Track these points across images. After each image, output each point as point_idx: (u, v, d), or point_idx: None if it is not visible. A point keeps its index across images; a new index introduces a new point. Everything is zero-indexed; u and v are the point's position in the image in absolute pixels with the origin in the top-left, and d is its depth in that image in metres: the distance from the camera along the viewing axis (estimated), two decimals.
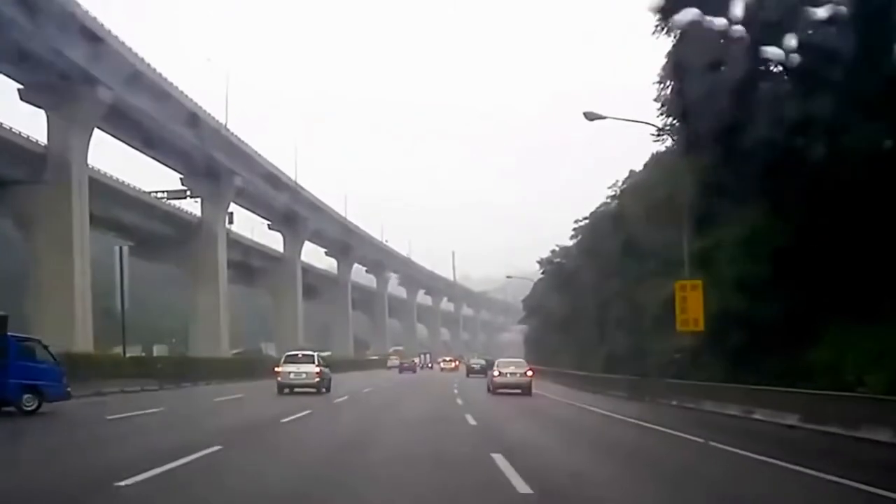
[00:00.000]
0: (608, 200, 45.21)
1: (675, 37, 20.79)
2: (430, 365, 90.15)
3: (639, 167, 47.19)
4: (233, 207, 77.40)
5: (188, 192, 72.70)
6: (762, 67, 19.63)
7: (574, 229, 52.04)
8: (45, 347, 21.15)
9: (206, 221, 72.95)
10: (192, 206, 73.89)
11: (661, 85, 24.84)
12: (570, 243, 56.25)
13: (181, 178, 71.90)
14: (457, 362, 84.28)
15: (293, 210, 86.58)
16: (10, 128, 50.53)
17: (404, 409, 23.19)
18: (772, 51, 17.07)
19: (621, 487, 9.53)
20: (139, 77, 56.55)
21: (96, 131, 57.01)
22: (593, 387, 34.37)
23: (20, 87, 51.90)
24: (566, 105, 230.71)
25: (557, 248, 61.13)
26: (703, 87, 20.18)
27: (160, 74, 59.19)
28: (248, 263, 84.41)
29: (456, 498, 8.54)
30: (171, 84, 60.94)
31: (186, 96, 63.21)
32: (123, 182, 64.14)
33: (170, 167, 70.19)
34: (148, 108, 58.63)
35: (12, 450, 12.99)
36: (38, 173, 52.16)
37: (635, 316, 33.97)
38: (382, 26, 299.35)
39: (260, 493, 8.57)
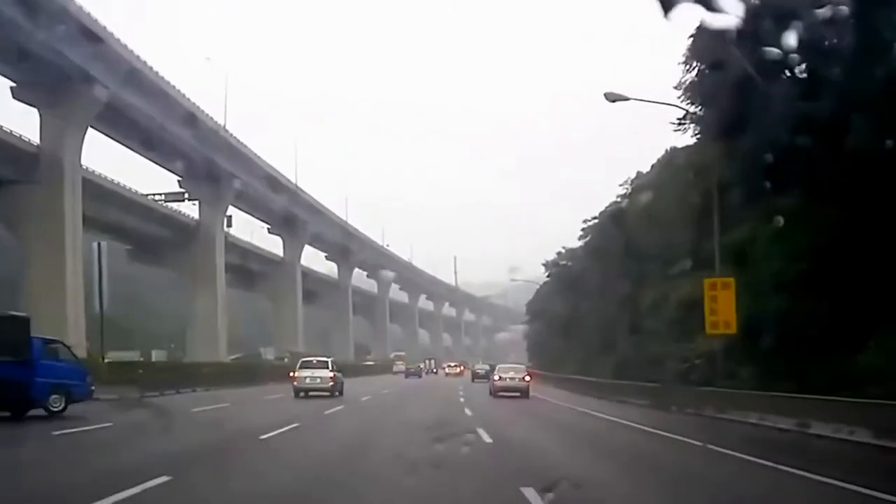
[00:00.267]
0: (618, 199, 42.87)
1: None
2: (434, 370, 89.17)
3: (642, 168, 45.59)
4: (231, 210, 75.64)
5: (186, 195, 70.66)
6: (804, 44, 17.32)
7: (583, 229, 49.67)
8: (68, 348, 21.47)
9: (205, 224, 70.89)
10: (190, 210, 71.84)
11: (686, 67, 22.43)
12: (576, 245, 53.93)
13: (179, 181, 69.94)
14: (462, 367, 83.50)
15: (293, 213, 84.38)
16: (2, 126, 48.63)
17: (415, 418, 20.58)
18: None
19: None
20: (135, 75, 54.63)
21: (93, 133, 55.47)
22: (608, 394, 32.02)
23: (13, 84, 49.91)
24: (567, 105, 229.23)
25: (563, 251, 58.73)
26: (737, 67, 17.86)
27: (157, 73, 57.21)
28: (248, 267, 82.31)
29: None
30: (168, 83, 58.90)
31: (184, 95, 61.18)
32: (119, 184, 62.00)
33: (167, 169, 68.13)
34: (144, 107, 56.72)
35: None
36: (30, 173, 50.41)
37: (649, 319, 31.57)
38: (382, 26, 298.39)
39: None
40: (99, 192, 57.53)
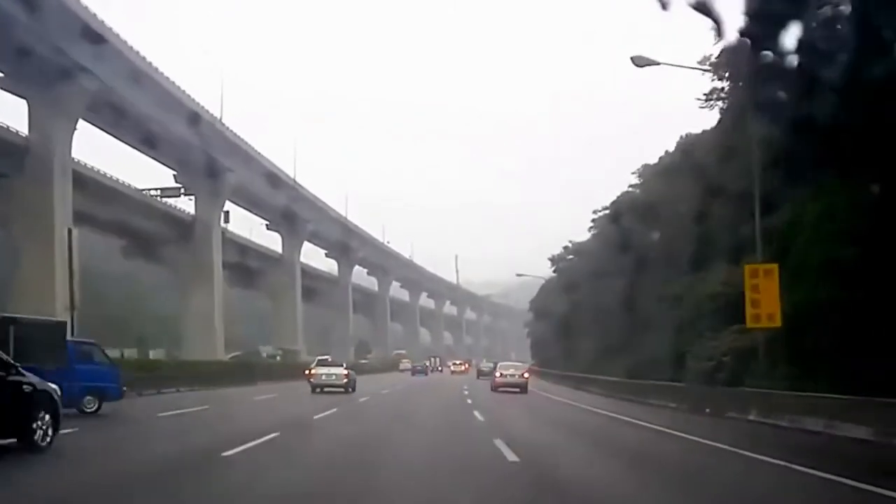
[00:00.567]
0: (631, 189, 40.22)
1: None
2: (440, 368, 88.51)
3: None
4: (229, 206, 72.93)
5: (182, 190, 68.11)
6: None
7: (593, 220, 47.00)
8: (101, 349, 21.92)
9: (201, 220, 68.31)
10: (186, 205, 69.30)
11: (718, 38, 19.86)
12: (583, 240, 51.30)
13: (174, 175, 67.40)
14: (467, 365, 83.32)
15: (292, 209, 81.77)
16: None
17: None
18: None
19: None
20: (127, 66, 52.41)
21: (88, 129, 53.87)
22: (629, 395, 29.25)
23: (1, 75, 47.93)
24: (567, 105, 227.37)
25: (570, 245, 56.08)
26: (783, 36, 15.38)
27: (150, 63, 54.88)
28: (246, 264, 79.91)
29: None
30: (162, 74, 56.55)
31: (178, 87, 58.87)
32: (113, 178, 59.57)
33: (162, 163, 65.72)
34: (137, 99, 54.30)
35: None
36: (18, 166, 48.06)
37: (668, 315, 28.97)
38: (382, 26, 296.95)
39: None
40: (92, 186, 55.25)
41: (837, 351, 16.35)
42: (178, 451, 12.40)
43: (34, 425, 11.81)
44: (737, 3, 17.48)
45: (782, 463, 11.28)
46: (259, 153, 74.23)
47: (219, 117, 65.66)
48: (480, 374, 56.75)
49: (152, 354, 60.50)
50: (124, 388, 21.89)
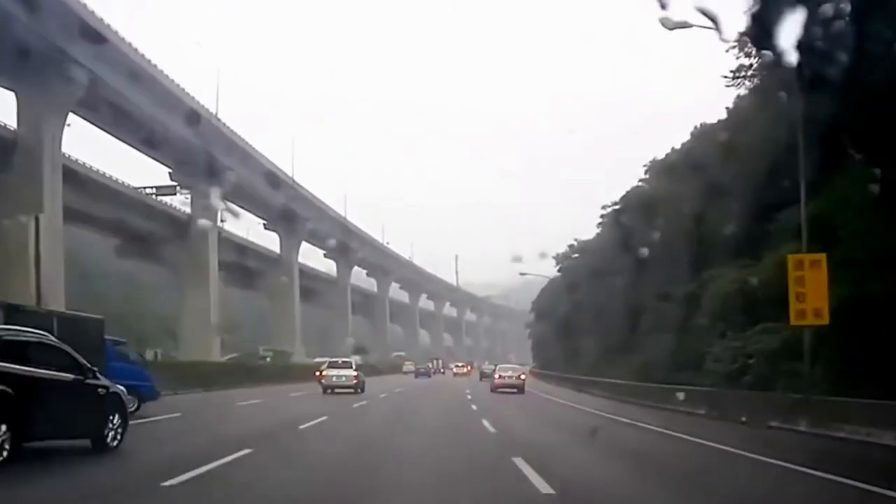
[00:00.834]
0: (640, 184, 37.94)
1: None
2: (442, 370, 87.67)
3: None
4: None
5: (178, 188, 65.96)
6: None
7: (602, 216, 44.75)
8: (139, 353, 22.27)
9: (197, 219, 65.97)
10: (182, 204, 67.17)
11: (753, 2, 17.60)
12: (589, 238, 48.96)
13: (170, 173, 65.24)
14: (469, 367, 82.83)
15: (290, 208, 79.56)
16: None
17: None
18: None
19: None
20: (120, 58, 50.30)
21: (84, 127, 52.22)
22: (645, 399, 26.71)
23: None
24: (567, 105, 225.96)
25: (576, 243, 53.80)
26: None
27: (143, 56, 52.80)
28: (243, 264, 77.73)
29: None
30: (156, 66, 54.40)
31: (173, 81, 56.72)
32: (106, 174, 57.44)
33: (157, 160, 63.63)
34: (130, 92, 52.25)
35: None
36: (6, 160, 46.06)
37: (684, 313, 26.76)
38: (382, 26, 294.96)
39: None
40: (83, 182, 53.19)
41: (878, 353, 14.10)
42: (109, 478, 10.05)
43: (107, 426, 12.31)
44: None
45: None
46: (257, 151, 72.18)
47: (215, 113, 63.40)
48: (483, 375, 56.49)
49: (148, 355, 58.33)
50: (156, 389, 21.31)
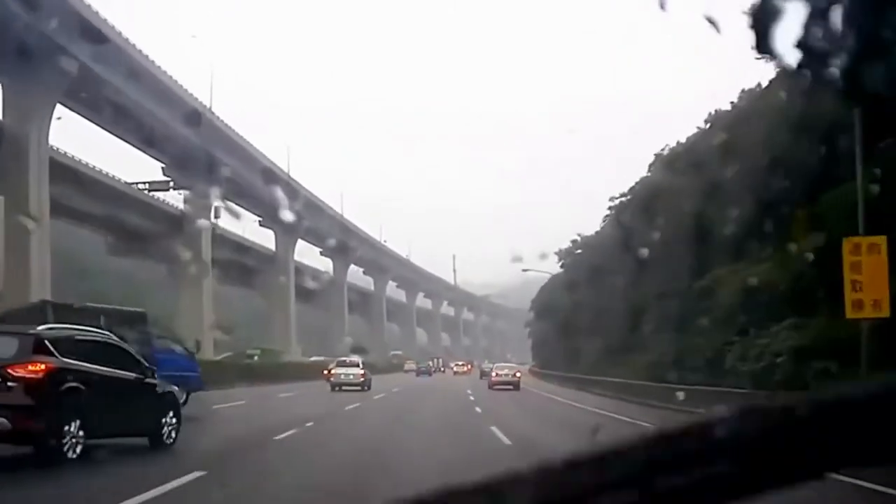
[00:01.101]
0: (650, 175, 36.21)
1: None
2: (442, 369, 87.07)
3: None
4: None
5: (171, 183, 64.23)
6: None
7: (610, 208, 42.97)
8: (179, 341, 21.57)
9: (190, 215, 64.18)
10: (176, 200, 65.49)
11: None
12: (594, 233, 47.17)
13: (163, 168, 63.49)
14: (469, 366, 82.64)
15: (286, 205, 77.66)
16: None
17: None
18: None
19: None
20: (110, 47, 48.32)
21: (73, 118, 50.79)
22: (665, 402, 24.31)
23: None
24: (567, 105, 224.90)
25: (579, 238, 52.04)
26: None
27: (133, 45, 50.74)
28: (238, 262, 75.86)
29: None
30: (147, 56, 52.56)
31: (164, 71, 54.84)
32: (97, 169, 55.69)
33: (148, 154, 61.85)
34: (120, 83, 50.33)
35: None
36: None
37: (699, 309, 25.08)
38: (383, 26, 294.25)
39: None
40: (74, 177, 51.49)
41: None
42: None
43: (163, 424, 12.61)
44: None
45: None
46: (252, 146, 70.36)
47: (209, 107, 61.57)
48: (483, 374, 56.62)
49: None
50: (201, 381, 21.07)
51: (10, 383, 9.96)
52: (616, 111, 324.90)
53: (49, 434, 10.09)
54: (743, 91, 33.37)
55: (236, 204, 74.11)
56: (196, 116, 59.35)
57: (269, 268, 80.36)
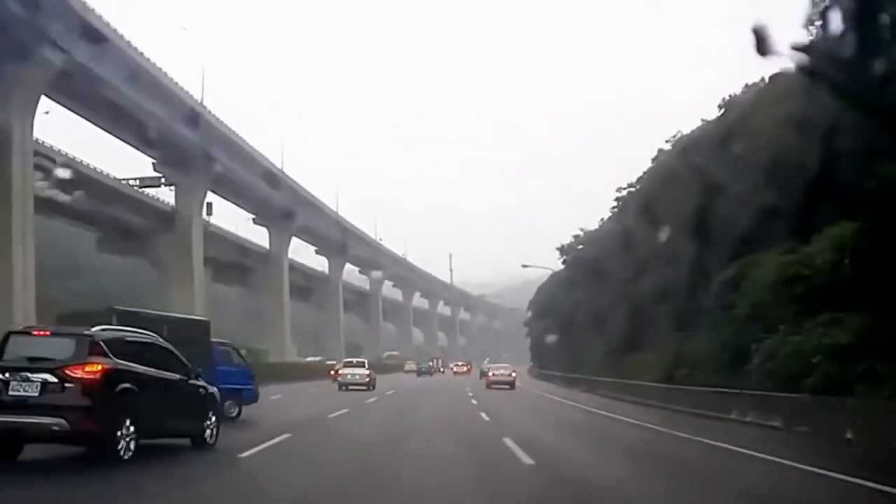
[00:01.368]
0: (653, 164, 34.20)
1: None
2: (441, 369, 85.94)
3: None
4: (213, 198, 66.85)
5: (162, 179, 62.25)
6: None
7: (617, 199, 41.01)
8: (237, 351, 20.95)
9: (181, 212, 62.34)
10: (167, 196, 63.49)
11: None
12: (598, 226, 45.19)
13: (154, 164, 61.54)
14: (468, 367, 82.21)
15: (280, 202, 75.67)
16: None
17: None
18: None
19: None
20: (98, 39, 46.32)
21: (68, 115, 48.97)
22: (690, 407, 22.22)
23: None
24: (566, 106, 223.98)
25: (582, 233, 50.05)
26: None
27: (121, 35, 48.72)
28: (231, 259, 73.80)
29: None
30: (136, 49, 50.57)
31: (155, 65, 52.89)
32: (87, 164, 53.71)
33: (140, 150, 59.88)
34: (109, 75, 48.35)
35: None
36: None
37: (717, 305, 23.18)
38: (383, 26, 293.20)
39: None
40: (62, 172, 49.44)
41: None
42: None
43: (206, 425, 12.66)
44: None
45: None
46: (245, 141, 68.32)
47: (200, 101, 59.55)
48: (483, 374, 55.97)
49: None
50: (257, 392, 20.48)
51: (67, 384, 9.91)
52: (616, 111, 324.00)
53: (106, 435, 10.07)
54: (747, 85, 31.89)
55: (230, 201, 72.27)
56: (188, 112, 57.47)
57: (263, 266, 78.38)
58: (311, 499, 8.81)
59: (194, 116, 58.12)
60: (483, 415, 21.64)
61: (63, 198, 50.30)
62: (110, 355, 10.43)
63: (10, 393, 9.88)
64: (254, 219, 77.13)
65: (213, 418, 12.88)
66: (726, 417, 19.51)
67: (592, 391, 35.69)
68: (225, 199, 70.90)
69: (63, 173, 47.98)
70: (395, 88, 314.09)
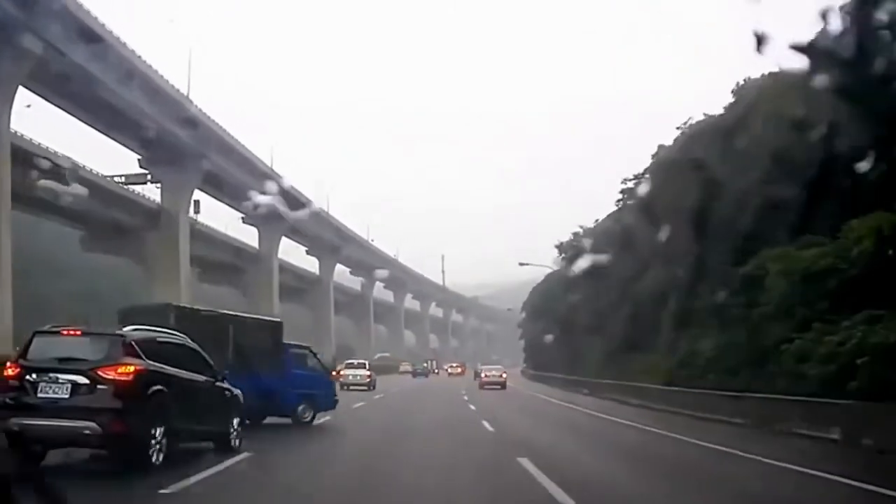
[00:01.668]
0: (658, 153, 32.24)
1: None
2: (436, 371, 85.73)
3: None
4: (201, 196, 64.67)
5: (149, 177, 60.12)
6: None
7: (622, 191, 39.11)
8: (315, 355, 20.12)
9: (167, 210, 60.18)
10: (153, 193, 61.31)
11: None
12: (602, 220, 43.16)
13: (139, 160, 59.45)
14: (462, 368, 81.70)
15: (269, 201, 73.31)
16: None
17: None
18: None
19: None
20: (80, 28, 44.25)
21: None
22: (716, 413, 20.01)
23: None
24: (565, 107, 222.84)
25: (581, 230, 48.26)
26: None
27: (103, 25, 46.54)
28: (219, 259, 71.60)
29: None
30: (119, 40, 48.41)
31: (140, 57, 50.62)
32: (69, 158, 51.38)
33: (125, 146, 57.87)
34: (93, 68, 46.29)
35: None
36: None
37: (736, 302, 21.31)
38: (383, 27, 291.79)
39: None
40: (43, 166, 47.31)
41: None
42: None
43: (231, 428, 12.37)
44: None
45: None
46: (234, 137, 66.08)
47: (187, 94, 57.41)
48: (476, 375, 55.81)
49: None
50: (336, 398, 19.61)
51: (99, 386, 9.49)
52: (616, 111, 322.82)
53: (138, 439, 9.67)
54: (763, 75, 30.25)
55: (218, 199, 70.09)
56: (176, 107, 55.46)
57: (252, 266, 76.21)
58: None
59: (181, 112, 56.05)
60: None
61: (46, 195, 48.28)
62: (143, 356, 10.02)
63: (39, 395, 9.43)
64: (243, 218, 74.94)
65: (237, 422, 12.56)
66: (782, 430, 16.49)
67: (603, 395, 33.06)
68: (214, 197, 68.74)
69: (48, 169, 46.00)
70: (395, 88, 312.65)
